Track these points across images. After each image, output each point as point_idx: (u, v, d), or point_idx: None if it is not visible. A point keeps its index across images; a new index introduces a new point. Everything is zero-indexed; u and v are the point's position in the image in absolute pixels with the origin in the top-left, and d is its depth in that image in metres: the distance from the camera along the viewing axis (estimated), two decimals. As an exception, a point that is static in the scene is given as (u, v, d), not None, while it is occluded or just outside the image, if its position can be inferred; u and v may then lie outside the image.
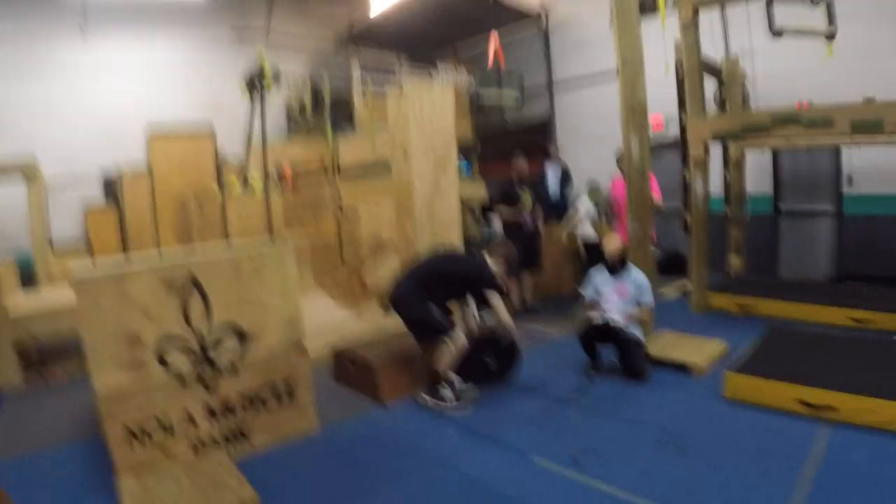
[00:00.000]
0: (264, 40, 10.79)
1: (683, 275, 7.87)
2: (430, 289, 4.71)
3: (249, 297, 3.89)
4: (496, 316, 4.79)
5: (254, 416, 3.96)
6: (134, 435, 3.48)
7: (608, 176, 9.60)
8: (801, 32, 5.23)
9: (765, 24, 5.65)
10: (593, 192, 8.15)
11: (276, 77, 5.07)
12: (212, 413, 3.77)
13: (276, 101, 10.93)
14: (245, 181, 6.00)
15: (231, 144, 9.50)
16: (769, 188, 8.63)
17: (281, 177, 5.83)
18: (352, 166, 8.37)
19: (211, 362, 3.75)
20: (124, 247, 9.08)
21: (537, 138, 11.62)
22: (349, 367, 5.09)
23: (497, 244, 5.17)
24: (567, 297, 7.93)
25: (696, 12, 6.46)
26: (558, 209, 8.94)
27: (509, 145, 12.30)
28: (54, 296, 6.42)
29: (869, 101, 5.45)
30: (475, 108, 10.85)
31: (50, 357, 6.08)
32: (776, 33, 5.07)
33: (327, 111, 6.90)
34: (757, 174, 8.42)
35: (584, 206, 8.04)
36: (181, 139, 9.15)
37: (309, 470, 3.71)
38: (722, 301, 6.82)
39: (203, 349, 3.71)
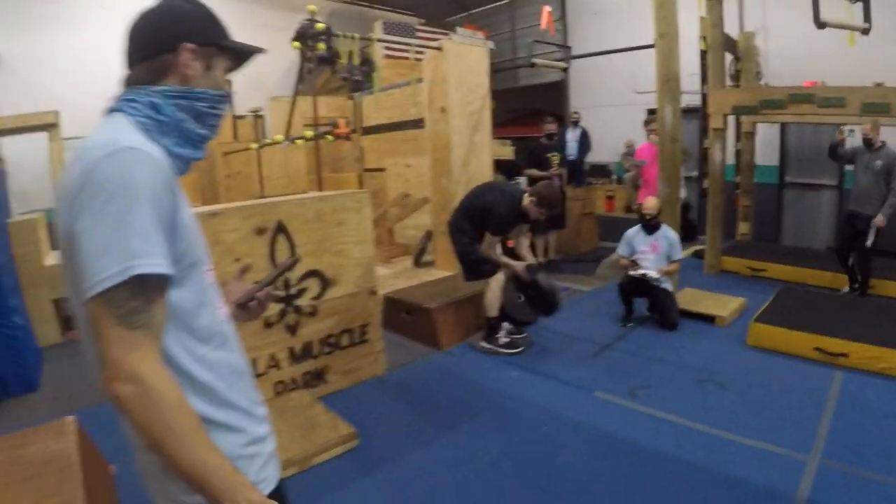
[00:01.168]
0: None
1: (693, 240, 8.37)
2: (472, 222, 4.84)
3: (330, 243, 4.13)
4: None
5: (330, 357, 4.22)
6: None
7: (620, 141, 9.99)
8: (841, 27, 5.57)
9: (780, 1, 5.97)
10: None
11: (329, 35, 5.24)
12: (293, 355, 4.01)
13: (289, 56, 11.10)
14: (288, 135, 6.23)
15: (247, 100, 9.67)
16: (776, 160, 9.07)
17: (335, 130, 6.04)
18: (376, 125, 8.60)
19: (295, 307, 3.99)
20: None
21: (550, 101, 11.92)
22: (402, 316, 5.36)
23: (543, 184, 5.12)
24: (587, 253, 8.42)
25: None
26: (578, 171, 9.34)
27: (521, 107, 12.65)
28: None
29: (879, 85, 5.94)
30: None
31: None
32: (820, 25, 5.41)
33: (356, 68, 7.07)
34: (765, 146, 8.84)
35: None
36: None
37: (389, 408, 4.02)
38: (734, 264, 7.31)
39: (288, 294, 3.94)
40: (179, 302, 1.15)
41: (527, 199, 4.76)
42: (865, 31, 5.56)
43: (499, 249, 5.09)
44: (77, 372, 4.38)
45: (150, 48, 1.21)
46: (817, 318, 4.92)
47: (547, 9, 7.49)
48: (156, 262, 1.04)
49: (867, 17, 5.53)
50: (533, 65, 7.40)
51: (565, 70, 7.72)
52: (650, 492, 3.00)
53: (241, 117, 9.98)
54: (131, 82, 1.21)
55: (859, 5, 5.62)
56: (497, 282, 4.90)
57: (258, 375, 3.78)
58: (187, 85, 1.22)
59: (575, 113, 10.27)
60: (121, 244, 1.01)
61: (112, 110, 1.18)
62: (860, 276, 6.19)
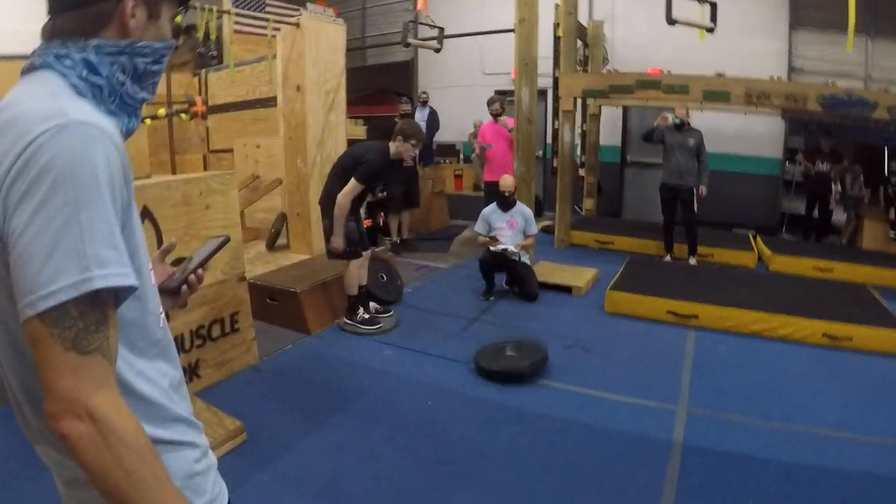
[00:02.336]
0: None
1: (540, 216, 8.83)
2: (336, 186, 4.72)
3: (198, 228, 3.87)
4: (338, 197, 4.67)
5: (202, 350, 4.00)
6: None
7: (469, 121, 10.25)
8: (690, 25, 6.09)
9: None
10: None
11: (185, 7, 4.94)
12: None
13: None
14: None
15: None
16: (618, 141, 9.78)
17: (191, 108, 5.67)
18: (224, 104, 8.21)
19: (163, 297, 3.78)
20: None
21: (399, 80, 11.97)
22: (267, 302, 5.17)
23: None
24: (438, 231, 8.65)
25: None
26: (427, 151, 9.48)
27: (370, 86, 12.58)
28: None
29: (720, 76, 6.62)
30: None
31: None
32: (671, 23, 5.88)
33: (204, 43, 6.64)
34: (609, 128, 9.50)
35: None
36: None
37: (269, 398, 3.90)
38: (582, 238, 7.88)
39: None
40: (126, 311, 0.95)
41: (394, 144, 4.73)
42: (711, 30, 6.13)
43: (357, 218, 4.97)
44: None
45: None
46: (666, 284, 5.50)
47: None
48: (120, 273, 0.86)
49: (713, 18, 6.09)
50: (407, 45, 7.39)
51: (438, 51, 7.77)
52: (538, 451, 3.22)
53: (83, 96, 9.11)
54: (56, 34, 0.99)
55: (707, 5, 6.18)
56: (358, 260, 4.88)
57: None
58: (128, 38, 1.01)
59: (423, 93, 10.38)
60: (75, 248, 0.81)
61: (35, 67, 0.96)
62: (690, 243, 6.94)
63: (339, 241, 4.71)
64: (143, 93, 1.06)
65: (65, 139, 0.84)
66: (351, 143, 7.78)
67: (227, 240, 1.47)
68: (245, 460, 3.12)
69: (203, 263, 1.37)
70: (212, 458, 1.17)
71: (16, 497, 2.72)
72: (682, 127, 6.73)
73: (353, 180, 4.61)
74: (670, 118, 6.94)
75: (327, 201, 4.79)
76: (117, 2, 0.99)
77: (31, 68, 0.97)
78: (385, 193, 7.45)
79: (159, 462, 0.91)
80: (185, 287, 1.32)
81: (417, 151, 4.95)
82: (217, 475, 1.19)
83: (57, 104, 0.88)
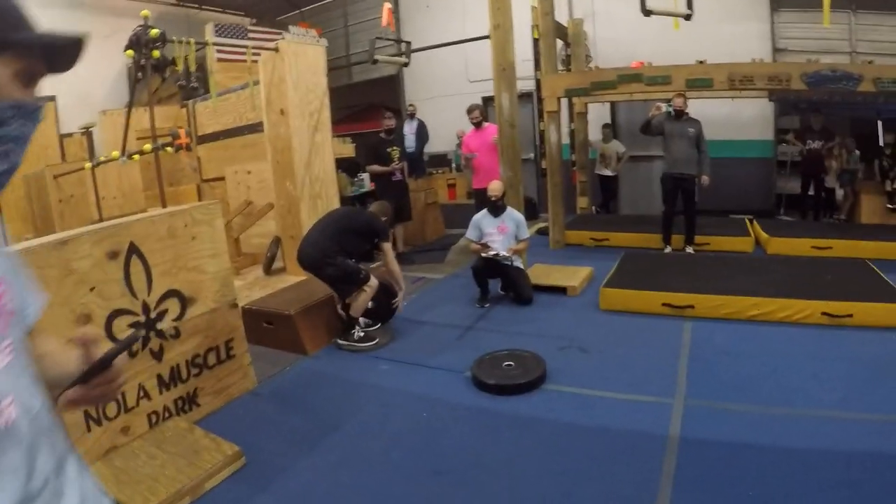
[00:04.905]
0: (102, 2, 10.13)
1: (535, 218, 8.84)
2: (342, 244, 5.03)
3: (185, 259, 3.93)
4: (388, 265, 5.25)
5: (200, 379, 4.04)
6: (94, 419, 3.37)
7: (452, 130, 10.26)
8: (666, 14, 6.09)
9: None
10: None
11: (164, 41, 4.99)
12: (162, 382, 3.79)
13: (115, 66, 10.37)
14: (124, 150, 5.84)
15: (72, 116, 8.97)
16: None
17: (175, 141, 5.72)
18: (213, 132, 8.26)
19: (158, 331, 3.77)
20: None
21: (385, 95, 12.01)
22: (263, 326, 5.22)
23: (376, 205, 5.62)
24: (434, 242, 8.66)
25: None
26: (418, 163, 9.50)
27: (357, 103, 12.65)
28: None
29: (701, 63, 6.62)
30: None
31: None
32: (647, 13, 5.89)
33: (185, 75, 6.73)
34: (597, 125, 9.49)
35: None
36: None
37: (267, 421, 3.91)
38: (577, 236, 7.88)
39: (148, 318, 3.71)
40: None
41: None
42: (688, 17, 6.13)
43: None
44: None
45: None
46: (661, 277, 5.48)
47: (387, 5, 7.57)
48: None
49: (689, 5, 6.10)
50: (375, 62, 7.44)
51: (406, 65, 7.82)
52: (535, 455, 3.22)
53: (69, 135, 9.21)
54: None
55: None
56: (372, 287, 4.99)
57: (129, 409, 3.57)
58: None
59: (410, 106, 10.44)
60: None
61: None
62: (688, 232, 6.93)
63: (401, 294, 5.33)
64: None
65: None
66: (339, 162, 7.88)
67: (137, 338, 1.17)
68: (245, 484, 3.16)
69: (106, 363, 1.12)
70: None
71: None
72: (681, 116, 6.74)
73: (388, 244, 5.24)
74: (664, 107, 6.95)
75: (329, 254, 4.96)
76: None
77: None
78: None
79: None
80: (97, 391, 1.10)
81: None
82: None
83: None
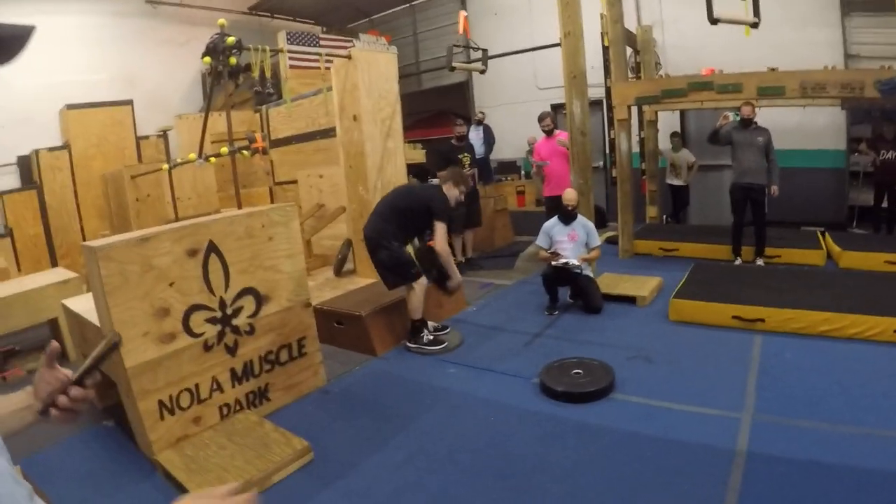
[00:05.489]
0: (177, 11, 10.58)
1: (604, 226, 8.76)
2: (399, 223, 5.01)
3: (262, 259, 4.07)
4: (437, 244, 5.01)
5: (271, 374, 4.17)
6: (167, 409, 3.51)
7: (521, 137, 10.24)
8: (733, 22, 5.98)
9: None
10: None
11: (240, 49, 5.19)
12: (235, 376, 3.92)
13: (191, 72, 10.78)
14: (201, 153, 6.08)
15: (147, 119, 9.37)
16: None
17: (252, 145, 5.92)
18: (286, 137, 8.51)
19: (233, 327, 3.91)
20: (47, 232, 8.85)
21: (455, 101, 12.11)
22: (334, 326, 5.35)
23: (446, 173, 5.40)
24: (503, 248, 8.66)
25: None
26: (486, 168, 9.55)
27: (426, 109, 12.79)
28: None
29: (773, 70, 6.45)
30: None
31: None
32: (713, 21, 5.80)
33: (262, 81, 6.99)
34: (667, 132, 9.33)
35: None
36: (100, 113, 8.92)
37: (336, 418, 3.99)
38: (646, 246, 7.74)
39: (224, 314, 3.85)
40: None
41: (444, 187, 5.14)
42: (755, 25, 5.99)
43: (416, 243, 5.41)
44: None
45: None
46: (732, 289, 5.33)
47: (463, 13, 7.64)
48: None
49: (756, 13, 5.96)
50: (453, 69, 7.53)
51: (483, 72, 7.89)
52: (599, 463, 3.18)
53: (145, 138, 9.65)
54: None
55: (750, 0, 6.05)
56: (421, 285, 5.01)
57: (202, 401, 3.71)
58: None
59: (480, 112, 10.50)
60: None
61: None
62: (758, 244, 6.76)
63: (456, 278, 5.20)
64: None
65: None
66: (409, 168, 7.98)
67: (115, 344, 1.25)
68: (312, 479, 3.23)
69: (82, 376, 1.14)
70: None
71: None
72: (749, 124, 6.58)
73: (440, 224, 4.96)
74: (731, 116, 6.80)
75: (381, 236, 5.00)
76: None
77: None
78: None
79: None
80: (53, 411, 1.10)
81: (464, 194, 5.33)
82: None
83: None
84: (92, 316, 3.67)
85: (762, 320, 4.78)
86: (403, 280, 5.01)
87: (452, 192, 5.12)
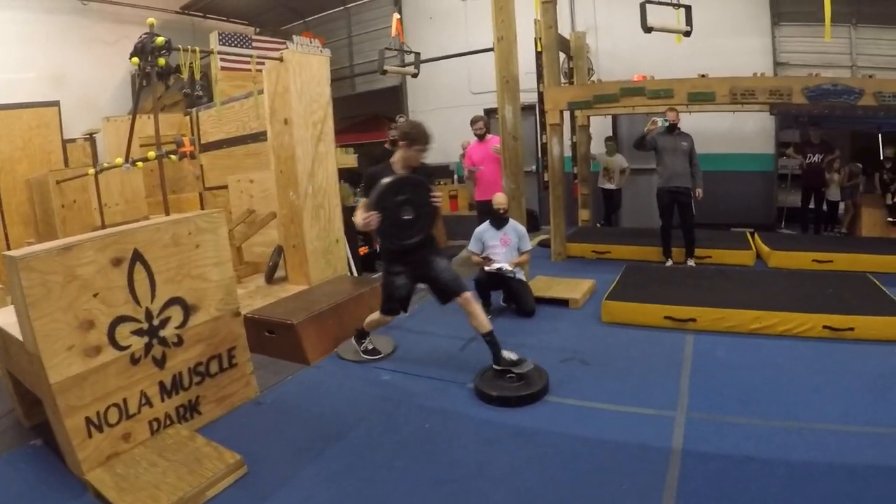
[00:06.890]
0: (107, 9, 10.18)
1: (536, 230, 8.87)
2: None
3: (189, 267, 3.92)
4: None
5: (202, 387, 4.02)
6: (95, 425, 3.37)
7: (454, 141, 10.26)
8: (666, 30, 6.15)
9: (608, 2, 6.60)
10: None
11: (169, 49, 5.02)
12: (164, 389, 3.78)
13: (120, 73, 10.41)
14: (128, 157, 5.85)
15: (75, 121, 9.00)
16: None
17: (179, 149, 5.71)
18: (216, 141, 8.28)
19: (160, 338, 3.77)
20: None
21: (388, 105, 12.06)
22: (265, 335, 5.23)
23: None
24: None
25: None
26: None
27: (360, 113, 12.69)
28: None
29: (703, 76, 6.68)
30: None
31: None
32: (647, 30, 5.94)
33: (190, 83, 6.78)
34: (599, 137, 9.53)
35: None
36: (25, 114, 8.49)
37: (270, 430, 3.90)
38: (579, 249, 7.91)
39: (151, 325, 3.71)
40: None
41: (398, 151, 4.40)
42: (687, 34, 6.18)
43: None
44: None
45: None
46: (663, 290, 5.50)
47: (397, 16, 7.61)
48: None
49: (689, 22, 6.15)
50: (384, 72, 7.46)
51: (415, 76, 7.85)
52: (536, 466, 3.21)
53: (72, 141, 9.24)
54: None
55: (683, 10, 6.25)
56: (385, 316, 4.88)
57: (130, 416, 3.57)
58: None
59: (400, 117, 10.45)
60: None
61: None
62: (688, 245, 6.97)
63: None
64: None
65: None
66: (342, 173, 7.89)
67: None
68: (246, 493, 3.15)
69: None
70: None
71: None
72: (674, 130, 6.79)
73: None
74: (660, 122, 7.00)
75: None
76: None
77: None
78: None
79: None
80: None
81: (425, 151, 4.39)
82: None
83: None
84: (14, 329, 3.48)
85: (694, 320, 4.95)
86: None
87: (411, 153, 4.32)
